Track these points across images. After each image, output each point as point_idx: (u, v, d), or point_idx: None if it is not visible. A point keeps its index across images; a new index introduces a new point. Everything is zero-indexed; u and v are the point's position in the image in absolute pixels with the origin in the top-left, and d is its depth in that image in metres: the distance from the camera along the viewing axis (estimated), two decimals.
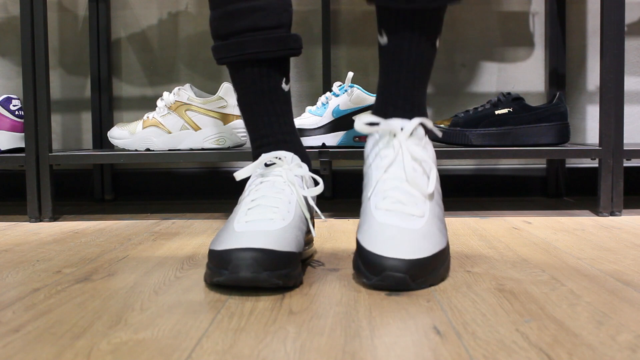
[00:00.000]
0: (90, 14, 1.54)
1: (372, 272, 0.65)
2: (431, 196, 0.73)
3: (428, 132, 0.79)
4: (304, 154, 0.84)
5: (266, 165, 0.78)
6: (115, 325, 0.55)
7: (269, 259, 0.63)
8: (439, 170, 0.90)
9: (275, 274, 0.63)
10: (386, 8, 0.75)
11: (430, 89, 0.82)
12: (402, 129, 0.75)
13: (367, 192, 0.75)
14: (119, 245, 0.95)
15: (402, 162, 0.73)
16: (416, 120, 0.75)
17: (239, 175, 0.76)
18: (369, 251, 0.66)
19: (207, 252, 0.88)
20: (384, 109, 0.78)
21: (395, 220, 0.69)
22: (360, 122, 0.75)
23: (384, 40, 0.77)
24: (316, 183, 0.82)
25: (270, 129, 0.82)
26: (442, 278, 0.70)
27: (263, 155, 0.77)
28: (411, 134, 0.75)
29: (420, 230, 0.68)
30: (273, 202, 0.72)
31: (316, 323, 0.55)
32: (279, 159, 0.77)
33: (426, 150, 0.76)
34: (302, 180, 0.78)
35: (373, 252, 0.66)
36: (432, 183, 0.73)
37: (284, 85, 0.83)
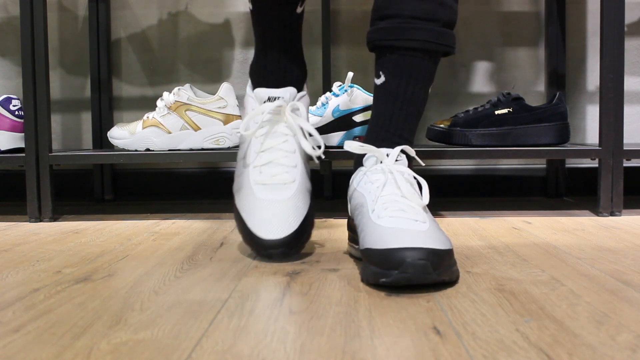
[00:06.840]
0: (90, 14, 1.54)
1: (390, 267, 0.63)
2: (426, 208, 0.75)
3: (411, 160, 0.83)
4: (301, 73, 0.95)
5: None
6: (115, 325, 0.55)
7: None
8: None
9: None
10: (388, 47, 0.82)
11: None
12: (387, 155, 0.79)
13: (361, 209, 0.76)
14: (119, 245, 0.95)
15: (395, 181, 0.76)
16: (399, 147, 0.80)
17: (242, 129, 0.89)
18: (383, 249, 0.65)
19: (206, 252, 0.88)
20: (374, 140, 0.83)
21: (402, 223, 0.69)
22: (352, 145, 0.79)
23: (380, 80, 0.83)
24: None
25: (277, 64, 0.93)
26: (457, 276, 0.69)
27: (263, 105, 0.89)
28: (396, 160, 0.79)
29: (428, 232, 0.68)
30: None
31: (316, 323, 0.55)
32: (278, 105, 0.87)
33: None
34: (299, 113, 0.89)
35: (388, 249, 0.65)
36: (426, 196, 0.76)
37: (298, 9, 0.94)
